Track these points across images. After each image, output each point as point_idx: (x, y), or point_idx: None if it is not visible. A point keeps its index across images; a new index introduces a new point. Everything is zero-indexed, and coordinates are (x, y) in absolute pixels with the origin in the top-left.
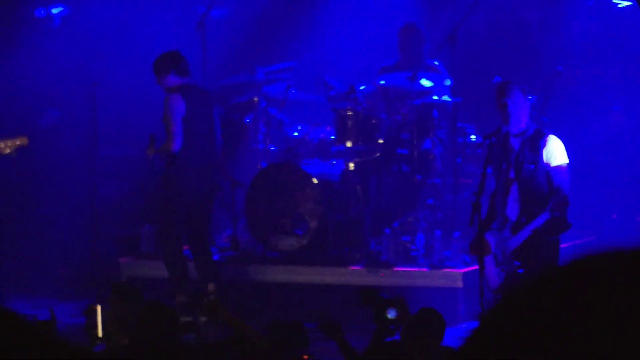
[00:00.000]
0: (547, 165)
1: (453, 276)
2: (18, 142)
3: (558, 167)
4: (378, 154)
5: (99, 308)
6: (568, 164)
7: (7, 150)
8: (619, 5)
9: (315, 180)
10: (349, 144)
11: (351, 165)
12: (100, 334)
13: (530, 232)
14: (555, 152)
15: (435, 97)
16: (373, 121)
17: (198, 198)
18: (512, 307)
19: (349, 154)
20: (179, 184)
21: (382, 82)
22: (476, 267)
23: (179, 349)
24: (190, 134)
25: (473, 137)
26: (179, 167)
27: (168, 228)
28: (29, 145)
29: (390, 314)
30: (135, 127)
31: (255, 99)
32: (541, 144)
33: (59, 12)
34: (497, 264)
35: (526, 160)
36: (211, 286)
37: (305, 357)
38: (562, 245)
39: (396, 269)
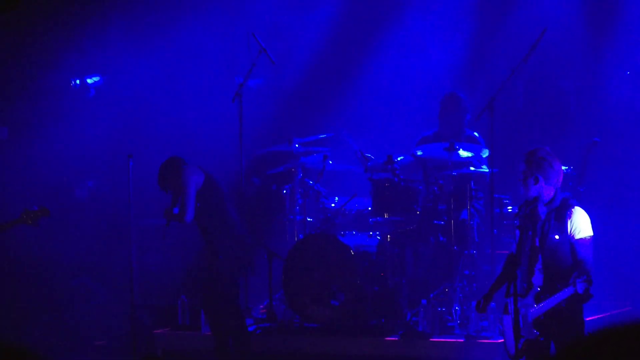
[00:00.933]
0: (572, 237)
1: (489, 347)
2: (40, 214)
3: (582, 240)
4: (415, 225)
5: None
6: (592, 237)
7: (29, 222)
8: None
9: (352, 252)
10: (386, 215)
11: (388, 237)
12: None
13: (553, 304)
14: (580, 225)
15: (472, 168)
16: (410, 192)
17: (238, 266)
18: None
19: (386, 225)
20: (222, 250)
21: (420, 152)
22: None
23: None
24: (215, 204)
25: (510, 208)
26: (217, 235)
27: (213, 295)
28: (66, 216)
29: None
30: (169, 198)
31: (293, 169)
32: (567, 215)
33: (94, 82)
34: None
35: (551, 230)
36: None
37: None
38: (597, 316)
39: (432, 339)
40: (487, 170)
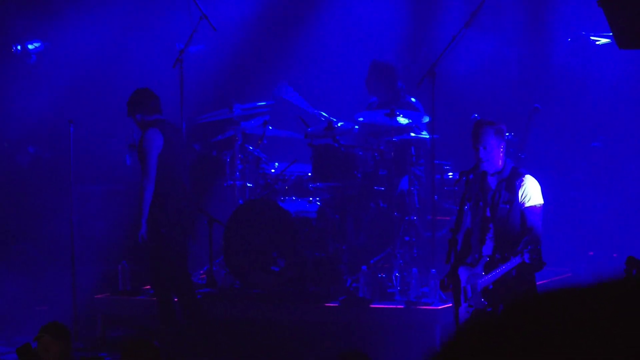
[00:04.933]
0: (522, 205)
1: (429, 313)
2: None
3: (532, 208)
4: (356, 191)
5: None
6: (543, 204)
7: None
8: (597, 43)
9: (292, 217)
10: (326, 181)
11: (329, 203)
12: None
13: (502, 273)
14: (531, 193)
15: (412, 134)
16: (350, 158)
17: (182, 233)
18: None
19: (326, 191)
20: (165, 219)
21: (360, 118)
22: (452, 304)
23: None
24: (169, 169)
25: (450, 174)
26: (161, 203)
27: (161, 264)
28: (7, 182)
29: None
30: (110, 163)
31: (233, 135)
32: (517, 183)
33: (35, 48)
34: (465, 299)
35: (502, 199)
36: None
37: None
38: (539, 282)
39: (373, 305)
40: (427, 137)
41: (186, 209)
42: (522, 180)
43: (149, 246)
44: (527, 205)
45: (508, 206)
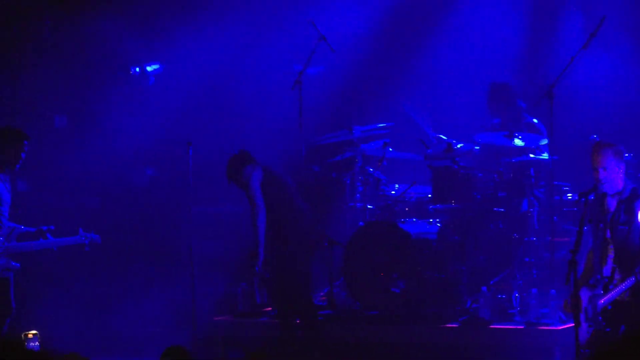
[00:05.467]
0: None
1: (549, 334)
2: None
3: None
4: (475, 212)
5: None
6: None
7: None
8: None
9: (412, 239)
10: (446, 203)
11: (449, 225)
12: None
13: (618, 294)
14: None
15: (532, 155)
16: (470, 180)
17: (306, 254)
18: None
19: (446, 212)
20: (287, 242)
21: (479, 140)
22: (572, 324)
23: None
24: (277, 196)
25: (570, 195)
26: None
27: (285, 286)
28: (126, 204)
29: None
30: (228, 184)
31: (353, 157)
32: (636, 205)
33: (154, 70)
34: (586, 319)
35: (620, 220)
36: None
37: None
38: None
39: (492, 326)
40: (547, 158)
41: (308, 230)
42: None
43: (274, 268)
44: None
45: (627, 227)
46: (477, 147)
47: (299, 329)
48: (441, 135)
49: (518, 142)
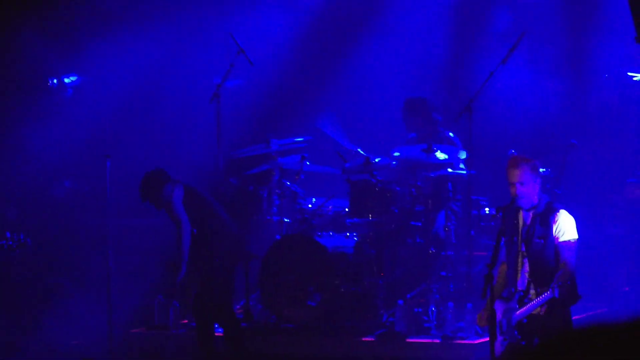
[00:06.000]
0: (556, 239)
1: (466, 347)
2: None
3: (566, 243)
4: (392, 226)
5: None
6: (577, 239)
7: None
8: (634, 78)
9: (329, 252)
10: (363, 216)
11: (367, 238)
12: None
13: (534, 308)
14: (565, 228)
15: (450, 170)
16: (388, 193)
17: (231, 265)
18: None
19: (363, 226)
20: (213, 253)
21: (397, 154)
22: (488, 338)
23: None
24: (200, 210)
25: (487, 209)
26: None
27: (208, 296)
28: (43, 216)
29: None
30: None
31: (270, 170)
32: (551, 218)
33: (72, 82)
34: (501, 332)
35: (536, 234)
36: None
37: None
38: (575, 317)
39: (409, 340)
40: (465, 172)
41: (234, 241)
42: (556, 215)
43: (198, 280)
44: (561, 240)
45: (542, 241)
46: (395, 162)
47: (221, 341)
48: (359, 149)
49: (440, 155)
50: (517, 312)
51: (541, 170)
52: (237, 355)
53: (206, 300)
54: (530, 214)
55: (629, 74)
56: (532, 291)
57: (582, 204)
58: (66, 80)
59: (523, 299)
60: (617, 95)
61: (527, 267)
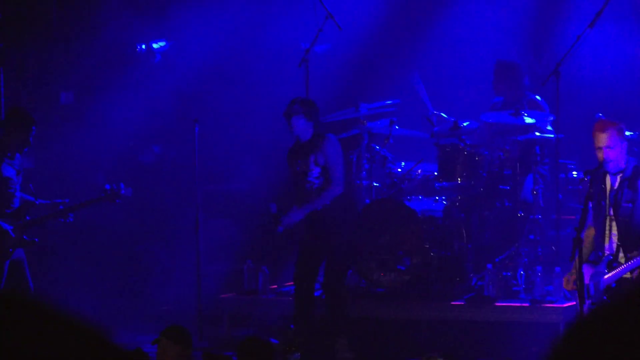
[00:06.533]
0: None
1: (554, 311)
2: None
3: None
4: (481, 190)
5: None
6: None
7: (111, 199)
8: None
9: (418, 216)
10: (452, 180)
11: (455, 202)
12: None
13: (623, 273)
14: None
15: (537, 133)
16: (476, 157)
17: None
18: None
19: (452, 190)
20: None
21: (485, 118)
22: (576, 301)
23: None
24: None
25: (575, 173)
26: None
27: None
28: (132, 181)
29: None
30: (236, 163)
31: (359, 134)
32: (639, 182)
33: (160, 47)
34: (588, 296)
35: (624, 198)
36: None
37: None
38: None
39: (498, 304)
40: (552, 136)
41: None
42: None
43: (318, 244)
44: None
45: (631, 205)
46: (482, 126)
47: (325, 306)
48: (442, 114)
49: (528, 118)
50: (606, 277)
51: (628, 133)
52: (336, 321)
53: (333, 266)
54: (618, 177)
55: None
56: (621, 255)
57: None
58: (154, 45)
59: (612, 263)
60: None
61: (615, 231)
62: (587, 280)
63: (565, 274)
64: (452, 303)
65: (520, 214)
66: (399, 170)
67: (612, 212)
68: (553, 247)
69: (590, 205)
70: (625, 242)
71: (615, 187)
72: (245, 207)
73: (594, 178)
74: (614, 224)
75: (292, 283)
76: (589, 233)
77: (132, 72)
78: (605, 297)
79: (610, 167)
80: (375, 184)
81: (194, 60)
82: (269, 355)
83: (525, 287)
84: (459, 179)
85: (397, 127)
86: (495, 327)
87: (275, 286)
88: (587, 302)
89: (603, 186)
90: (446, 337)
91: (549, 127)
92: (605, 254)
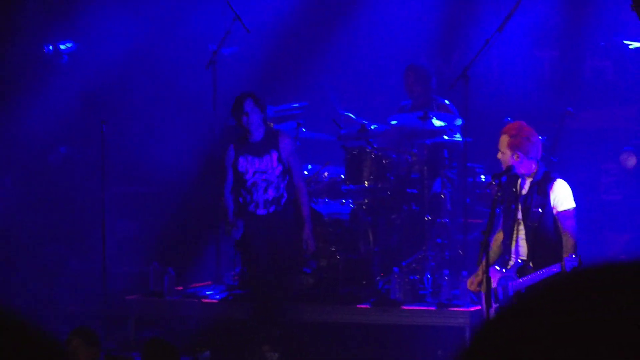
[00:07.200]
0: (554, 209)
1: (460, 315)
2: None
3: (565, 212)
4: (388, 193)
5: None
6: (575, 208)
7: None
8: (630, 47)
9: (325, 219)
10: (359, 183)
11: (363, 205)
12: None
13: (538, 280)
14: (562, 197)
15: (446, 137)
16: (384, 160)
17: None
18: (513, 313)
19: (359, 193)
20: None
21: (394, 121)
22: (483, 305)
23: None
24: None
25: (483, 177)
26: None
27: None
28: (39, 182)
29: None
30: (142, 164)
31: None
32: (548, 187)
33: (67, 48)
34: (495, 300)
35: (534, 203)
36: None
37: None
38: None
39: (404, 307)
40: (460, 139)
41: None
42: (553, 185)
43: (283, 247)
44: (559, 210)
45: (540, 210)
46: (390, 129)
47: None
48: (350, 114)
49: (436, 122)
50: (517, 282)
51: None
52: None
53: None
54: (528, 182)
55: (625, 42)
56: (531, 261)
57: (577, 171)
58: (62, 46)
59: (524, 269)
60: (613, 64)
61: (522, 235)
62: (494, 284)
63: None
64: (358, 306)
65: (428, 218)
66: (306, 172)
67: (520, 216)
68: (460, 251)
69: (500, 209)
70: (534, 248)
71: (526, 192)
72: (153, 208)
73: (505, 181)
74: (521, 228)
75: (197, 285)
76: (498, 237)
77: (40, 73)
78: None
79: (518, 171)
80: None
81: (102, 61)
82: (173, 356)
83: (432, 291)
84: (366, 182)
85: (303, 130)
86: (401, 330)
87: (181, 288)
88: (495, 306)
89: (514, 189)
90: (352, 341)
91: (457, 132)
92: (512, 258)
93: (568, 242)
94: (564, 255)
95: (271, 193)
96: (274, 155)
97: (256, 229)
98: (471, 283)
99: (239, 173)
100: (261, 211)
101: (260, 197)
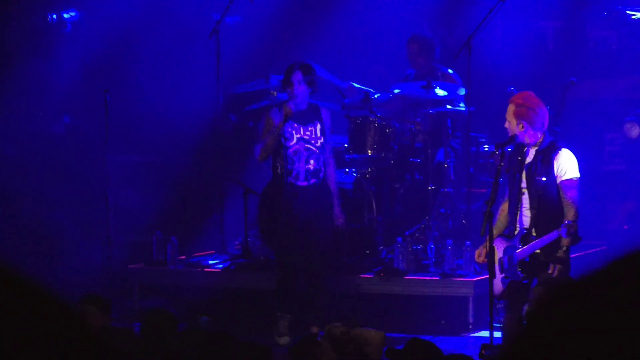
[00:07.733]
0: (558, 178)
1: (464, 284)
2: None
3: (569, 181)
4: (392, 163)
5: None
6: (579, 178)
7: None
8: (633, 17)
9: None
10: (362, 152)
11: (366, 174)
12: None
13: (538, 247)
14: (567, 166)
15: (449, 107)
16: (387, 130)
17: None
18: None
19: (362, 162)
20: None
21: (397, 90)
22: (486, 275)
23: (178, 355)
24: None
25: (486, 146)
26: None
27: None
28: (42, 152)
29: None
30: (146, 133)
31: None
32: (553, 157)
33: (71, 17)
34: (501, 270)
35: (538, 172)
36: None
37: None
38: (573, 255)
39: (408, 277)
40: (464, 109)
41: None
42: (558, 154)
43: (320, 222)
44: (563, 179)
45: (544, 178)
46: (393, 98)
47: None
48: (353, 83)
49: (439, 91)
50: (520, 250)
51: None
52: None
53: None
54: (533, 150)
55: (628, 12)
56: (535, 229)
57: (581, 141)
58: (65, 15)
59: (527, 237)
60: (616, 34)
61: (526, 205)
62: (500, 254)
63: (477, 248)
64: (362, 276)
65: (431, 187)
66: None
67: (525, 185)
68: (464, 221)
69: (505, 178)
70: (538, 217)
71: (530, 161)
72: (156, 177)
73: (511, 151)
74: (525, 197)
75: (200, 254)
76: (504, 207)
77: (43, 42)
78: (519, 272)
79: (522, 140)
80: None
81: (106, 30)
82: (172, 326)
83: (435, 261)
84: (369, 152)
85: None
86: (405, 300)
87: (184, 257)
88: (500, 275)
89: (519, 158)
90: (356, 310)
91: (460, 101)
92: (518, 228)
93: (569, 211)
94: (562, 223)
95: (313, 164)
96: (317, 126)
97: (294, 200)
98: (479, 255)
99: (283, 139)
100: (302, 182)
101: (302, 167)
